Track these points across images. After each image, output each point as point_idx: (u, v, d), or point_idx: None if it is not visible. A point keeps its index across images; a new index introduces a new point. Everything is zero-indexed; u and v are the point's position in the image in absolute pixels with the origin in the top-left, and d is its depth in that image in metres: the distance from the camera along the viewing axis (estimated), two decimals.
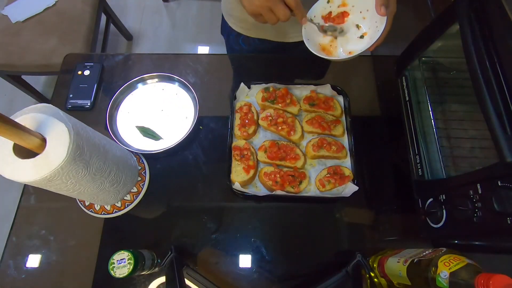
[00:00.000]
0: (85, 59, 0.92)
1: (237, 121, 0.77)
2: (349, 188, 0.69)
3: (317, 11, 0.67)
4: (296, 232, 0.73)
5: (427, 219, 0.61)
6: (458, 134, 0.67)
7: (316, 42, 0.68)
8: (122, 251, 0.57)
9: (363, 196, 0.74)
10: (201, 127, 0.82)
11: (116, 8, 1.84)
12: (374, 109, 0.85)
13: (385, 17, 0.60)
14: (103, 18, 1.74)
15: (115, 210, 0.71)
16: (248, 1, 0.60)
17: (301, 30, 0.66)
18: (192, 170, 0.78)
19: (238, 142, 0.74)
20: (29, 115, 0.49)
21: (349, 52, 0.66)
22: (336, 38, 0.68)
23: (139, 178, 0.74)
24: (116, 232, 0.72)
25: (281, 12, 0.59)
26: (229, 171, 0.71)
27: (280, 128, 0.75)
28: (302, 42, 0.69)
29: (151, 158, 0.78)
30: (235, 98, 0.80)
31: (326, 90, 0.80)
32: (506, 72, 0.45)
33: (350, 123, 0.77)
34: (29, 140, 0.46)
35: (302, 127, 0.77)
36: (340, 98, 0.80)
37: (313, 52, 0.65)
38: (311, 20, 0.66)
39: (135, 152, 0.76)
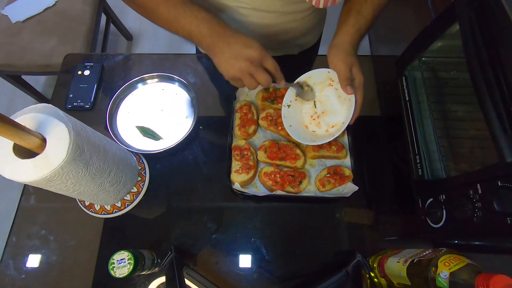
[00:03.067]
0: (85, 59, 0.92)
1: (237, 121, 0.76)
2: (349, 188, 0.69)
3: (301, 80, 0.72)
4: (296, 232, 0.73)
5: (427, 219, 0.61)
6: (458, 134, 0.67)
7: (300, 122, 0.74)
8: (122, 251, 0.57)
9: (363, 196, 0.74)
10: (201, 127, 0.82)
11: (116, 8, 1.84)
12: (374, 109, 0.85)
13: (353, 95, 0.64)
14: (103, 18, 1.74)
15: (115, 210, 0.71)
16: (226, 67, 0.59)
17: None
18: (192, 170, 0.78)
19: (238, 142, 0.74)
20: (29, 115, 0.49)
21: (332, 126, 0.71)
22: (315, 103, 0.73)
23: (139, 178, 0.74)
24: (116, 232, 0.72)
25: (262, 77, 0.59)
26: (229, 171, 0.71)
27: (280, 128, 0.75)
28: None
29: (151, 158, 0.78)
30: (235, 98, 0.80)
31: None
32: (506, 72, 0.45)
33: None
34: (29, 140, 0.46)
35: None
36: None
37: (296, 139, 0.70)
38: (289, 83, 0.69)
39: (135, 152, 0.76)
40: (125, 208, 0.72)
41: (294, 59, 0.91)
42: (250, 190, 0.70)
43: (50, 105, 0.52)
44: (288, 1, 0.69)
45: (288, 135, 0.75)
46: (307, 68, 0.73)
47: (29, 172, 0.47)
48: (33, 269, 0.68)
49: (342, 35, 0.63)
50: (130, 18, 2.13)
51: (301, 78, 0.72)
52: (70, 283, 0.68)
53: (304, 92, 0.71)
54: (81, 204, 0.72)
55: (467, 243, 0.56)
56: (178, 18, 0.58)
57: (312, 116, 0.74)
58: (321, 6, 0.62)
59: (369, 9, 0.63)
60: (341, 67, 0.61)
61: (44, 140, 0.48)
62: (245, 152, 0.72)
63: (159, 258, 0.66)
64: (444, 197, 0.57)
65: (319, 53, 1.03)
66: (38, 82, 1.91)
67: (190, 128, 0.77)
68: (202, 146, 0.80)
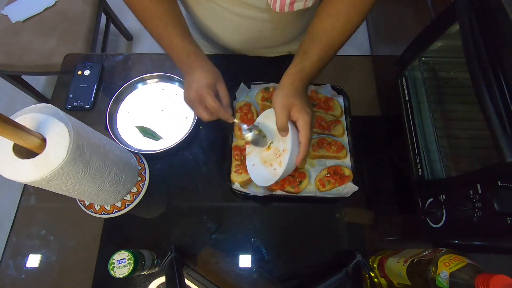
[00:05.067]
0: (85, 59, 0.92)
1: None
2: (349, 188, 0.69)
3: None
4: (296, 232, 0.73)
5: (427, 219, 0.61)
6: (458, 134, 0.67)
7: (265, 159, 0.70)
8: (122, 251, 0.57)
9: (363, 196, 0.74)
10: (201, 127, 0.82)
11: (116, 8, 1.84)
12: (374, 109, 0.85)
13: (287, 137, 0.61)
14: (103, 18, 1.74)
15: (115, 210, 0.71)
16: (185, 91, 0.65)
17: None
18: (192, 170, 0.78)
19: (238, 142, 0.74)
20: (29, 115, 0.49)
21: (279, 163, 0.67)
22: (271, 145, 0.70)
23: (139, 178, 0.74)
24: (116, 232, 0.72)
25: (201, 114, 0.64)
26: (229, 171, 0.71)
27: None
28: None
29: (151, 158, 0.78)
30: (235, 98, 0.80)
31: (326, 90, 0.80)
32: (506, 72, 0.45)
33: (350, 123, 0.77)
34: (29, 140, 0.46)
35: None
36: (340, 98, 0.80)
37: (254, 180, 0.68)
38: (235, 119, 0.68)
39: (135, 152, 0.76)
40: (125, 208, 0.72)
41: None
42: (250, 190, 0.70)
43: (50, 105, 0.52)
44: (262, 9, 0.69)
45: None
46: None
47: (29, 172, 0.47)
48: (33, 269, 0.68)
49: (285, 76, 0.62)
50: (130, 18, 2.13)
51: (258, 118, 0.70)
52: (70, 283, 0.68)
53: (256, 137, 0.68)
54: (81, 204, 0.72)
55: (467, 243, 0.56)
56: (160, 37, 0.64)
57: (276, 154, 0.69)
58: (277, 10, 0.64)
59: (316, 50, 0.60)
60: (277, 110, 0.59)
61: (44, 140, 0.48)
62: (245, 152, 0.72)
63: (159, 258, 0.66)
64: (444, 197, 0.57)
65: None
66: (38, 82, 1.91)
67: (190, 128, 0.77)
68: (202, 146, 0.80)
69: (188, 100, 0.64)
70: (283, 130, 0.61)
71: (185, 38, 0.64)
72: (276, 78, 0.79)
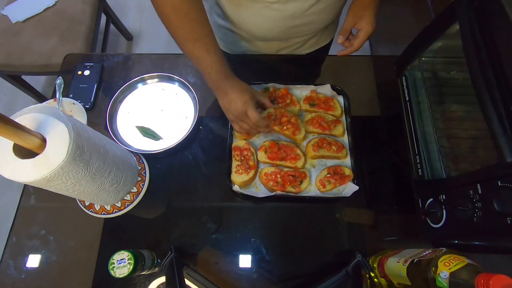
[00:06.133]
0: (85, 59, 0.92)
1: None
2: (349, 188, 0.69)
3: None
4: (296, 232, 0.73)
5: (427, 219, 0.61)
6: (458, 134, 0.67)
7: None
8: (122, 251, 0.57)
9: (363, 196, 0.74)
10: (201, 127, 0.82)
11: (116, 8, 1.84)
12: (374, 109, 0.85)
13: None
14: (103, 18, 1.74)
15: (115, 210, 0.71)
16: (225, 112, 0.68)
17: None
18: (192, 170, 0.78)
19: (238, 142, 0.74)
20: (29, 115, 0.49)
21: None
22: None
23: (139, 178, 0.74)
24: (116, 232, 0.72)
25: (244, 127, 0.68)
26: (229, 171, 0.71)
27: (285, 127, 0.75)
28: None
29: (151, 158, 0.78)
30: None
31: (326, 90, 0.80)
32: (506, 72, 0.45)
33: (350, 123, 0.77)
34: (29, 140, 0.46)
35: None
36: (340, 98, 0.80)
37: None
38: None
39: (135, 152, 0.76)
40: (125, 208, 0.72)
41: (303, 59, 0.91)
42: (251, 191, 0.70)
43: (50, 105, 0.52)
44: None
45: (294, 134, 0.74)
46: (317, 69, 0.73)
47: (29, 172, 0.47)
48: (33, 269, 0.68)
49: None
50: (130, 18, 2.13)
51: None
52: (70, 283, 0.68)
53: None
54: (81, 204, 0.72)
55: (467, 243, 0.56)
56: (194, 52, 0.62)
57: None
58: None
59: None
60: (347, 17, 0.71)
61: (44, 140, 0.48)
62: (245, 153, 0.72)
63: (159, 258, 0.66)
64: (444, 197, 0.57)
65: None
66: (38, 82, 1.91)
67: (190, 128, 0.77)
68: (202, 146, 0.80)
69: (232, 117, 0.67)
70: (343, 34, 0.73)
71: (218, 53, 0.62)
72: (276, 78, 0.80)
